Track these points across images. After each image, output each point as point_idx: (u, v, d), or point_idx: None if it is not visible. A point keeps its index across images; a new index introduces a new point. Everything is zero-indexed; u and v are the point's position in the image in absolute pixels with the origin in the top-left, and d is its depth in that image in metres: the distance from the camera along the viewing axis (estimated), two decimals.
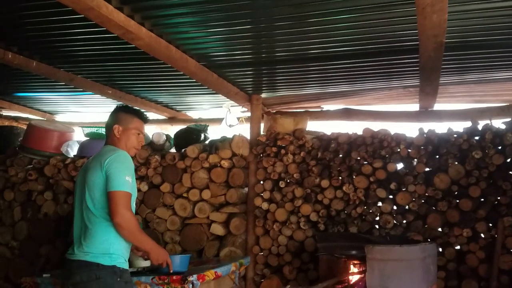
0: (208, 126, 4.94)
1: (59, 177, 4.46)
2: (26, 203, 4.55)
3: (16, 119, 6.00)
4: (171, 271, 2.68)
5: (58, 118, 6.02)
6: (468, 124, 3.95)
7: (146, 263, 3.37)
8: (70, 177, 4.43)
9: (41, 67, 3.77)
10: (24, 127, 5.19)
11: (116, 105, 2.86)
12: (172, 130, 5.45)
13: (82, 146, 4.63)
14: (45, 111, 5.82)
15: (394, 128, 4.25)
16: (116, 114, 2.74)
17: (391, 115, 4.68)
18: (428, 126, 4.10)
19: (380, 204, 4.00)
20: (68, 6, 2.42)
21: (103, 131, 4.67)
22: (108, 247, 2.46)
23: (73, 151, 4.65)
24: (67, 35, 3.19)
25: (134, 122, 2.71)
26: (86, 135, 4.68)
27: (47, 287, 3.16)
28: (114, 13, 2.56)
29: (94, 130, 4.72)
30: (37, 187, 4.51)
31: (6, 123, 5.87)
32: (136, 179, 4.26)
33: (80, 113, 5.87)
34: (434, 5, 2.29)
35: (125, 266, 2.54)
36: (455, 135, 3.89)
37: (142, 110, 3.03)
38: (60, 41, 3.33)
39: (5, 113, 5.94)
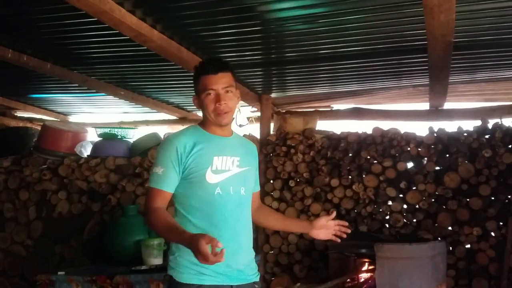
0: None
1: (73, 177, 4.54)
2: (41, 203, 4.63)
3: (30, 120, 6.09)
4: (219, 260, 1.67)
5: (72, 119, 6.09)
6: (478, 122, 3.96)
7: (158, 261, 3.43)
8: (84, 177, 4.50)
9: (55, 69, 3.84)
10: (39, 128, 5.27)
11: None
12: None
13: (96, 146, 4.70)
14: (59, 112, 5.90)
15: (404, 127, 4.28)
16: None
17: (401, 114, 4.69)
18: (438, 125, 4.11)
19: (390, 203, 4.02)
20: (82, 9, 2.47)
21: (116, 131, 4.78)
22: (170, 252, 2.00)
23: (86, 151, 4.72)
24: (81, 38, 3.25)
25: (199, 83, 2.03)
26: (99, 135, 4.75)
27: (62, 284, 3.20)
28: (126, 16, 2.61)
29: (107, 130, 4.79)
30: (52, 187, 4.59)
31: (21, 124, 5.95)
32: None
33: (93, 114, 5.94)
34: (441, 5, 2.30)
35: (186, 279, 1.91)
36: (465, 134, 3.90)
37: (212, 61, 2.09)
38: (74, 44, 3.39)
39: (19, 114, 6.04)
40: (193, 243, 1.67)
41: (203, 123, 2.08)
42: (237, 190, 2.01)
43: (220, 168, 1.98)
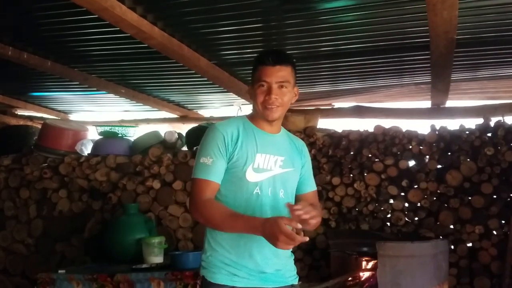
0: None
1: (74, 175, 4.52)
2: (42, 201, 4.62)
3: (31, 118, 6.08)
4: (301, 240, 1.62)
5: (72, 117, 6.09)
6: (480, 120, 3.94)
7: (159, 259, 3.42)
8: (85, 175, 4.49)
9: (56, 67, 3.84)
10: (39, 126, 5.26)
11: None
12: (184, 128, 5.49)
13: (96, 144, 4.68)
14: (59, 110, 5.89)
15: (406, 125, 4.26)
16: None
17: (402, 112, 4.67)
18: (440, 123, 4.10)
19: (391, 201, 4.00)
20: (83, 6, 2.47)
21: (116, 129, 4.76)
22: (203, 251, 1.97)
23: (87, 150, 4.71)
24: (81, 35, 3.25)
25: (255, 73, 1.95)
26: (100, 133, 4.74)
27: (63, 283, 3.21)
28: (127, 13, 2.60)
29: (107, 128, 4.78)
30: (52, 185, 4.57)
31: (21, 122, 5.95)
32: (149, 177, 4.36)
33: (94, 112, 5.94)
34: (444, 2, 2.29)
35: (218, 279, 1.87)
36: (467, 132, 3.89)
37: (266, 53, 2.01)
38: (75, 41, 3.39)
39: (20, 112, 6.03)
40: (271, 226, 1.60)
41: (252, 116, 2.00)
42: (275, 192, 1.93)
43: (262, 166, 1.90)
